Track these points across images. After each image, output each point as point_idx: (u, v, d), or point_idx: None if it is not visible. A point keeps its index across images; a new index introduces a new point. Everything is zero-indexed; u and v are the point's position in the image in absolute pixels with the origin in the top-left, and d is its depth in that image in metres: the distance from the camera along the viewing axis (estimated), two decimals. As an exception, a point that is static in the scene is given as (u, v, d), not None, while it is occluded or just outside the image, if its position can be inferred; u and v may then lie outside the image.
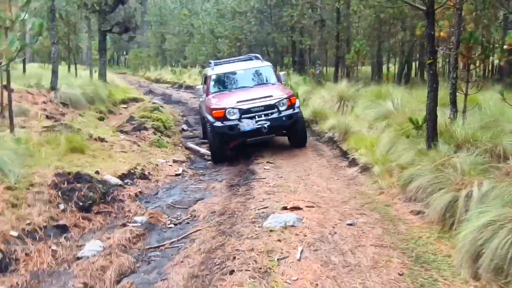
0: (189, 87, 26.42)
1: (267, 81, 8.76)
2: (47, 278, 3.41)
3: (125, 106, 15.32)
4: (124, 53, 51.54)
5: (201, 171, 7.18)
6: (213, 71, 8.84)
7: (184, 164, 7.45)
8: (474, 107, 6.03)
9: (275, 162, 6.92)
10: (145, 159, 7.08)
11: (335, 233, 3.74)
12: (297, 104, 7.98)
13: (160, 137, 8.89)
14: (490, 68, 14.85)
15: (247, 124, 7.38)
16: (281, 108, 7.53)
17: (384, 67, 18.04)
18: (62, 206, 4.44)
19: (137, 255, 3.82)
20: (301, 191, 5.15)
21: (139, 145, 7.96)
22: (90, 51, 17.08)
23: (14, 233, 3.68)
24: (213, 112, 7.53)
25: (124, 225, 4.48)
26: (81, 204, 4.64)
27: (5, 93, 6.92)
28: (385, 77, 13.42)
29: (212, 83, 8.53)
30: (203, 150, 8.61)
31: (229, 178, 6.47)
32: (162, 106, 14.22)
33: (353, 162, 6.44)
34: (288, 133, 8.14)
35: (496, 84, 9.90)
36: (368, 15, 13.65)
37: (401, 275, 3.00)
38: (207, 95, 8.36)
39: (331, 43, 16.89)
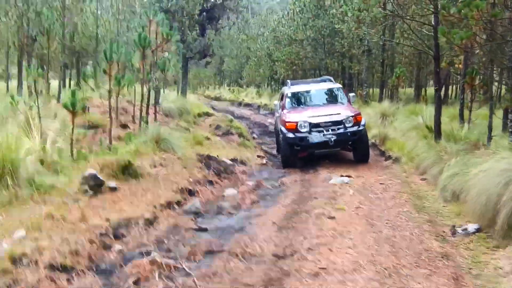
0: (248, 105, 29.63)
1: (337, 100, 9.64)
2: (214, 201, 6.32)
3: (202, 118, 18.55)
4: (183, 73, 56.25)
5: (279, 164, 9.99)
6: (290, 89, 9.96)
7: (265, 158, 10.33)
8: (477, 119, 8.56)
9: (333, 160, 9.51)
10: (239, 153, 10.05)
11: (372, 186, 6.46)
12: (363, 122, 8.68)
13: (243, 140, 11.87)
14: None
15: (316, 137, 8.30)
16: (347, 125, 8.33)
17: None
18: (206, 171, 7.43)
19: (257, 197, 6.67)
20: (351, 171, 7.85)
21: (231, 144, 10.98)
22: (178, 74, 20.62)
23: (191, 180, 6.67)
24: (287, 124, 8.61)
25: (242, 184, 7.39)
26: (215, 171, 7.62)
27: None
28: (422, 98, 15.82)
29: (288, 100, 9.65)
30: (275, 152, 11.40)
31: (301, 167, 9.15)
32: (233, 120, 17.31)
33: (388, 158, 9.06)
34: (353, 148, 8.89)
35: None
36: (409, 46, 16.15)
37: (406, 201, 5.67)
38: (282, 110, 9.58)
39: (377, 68, 19.47)
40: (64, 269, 3.60)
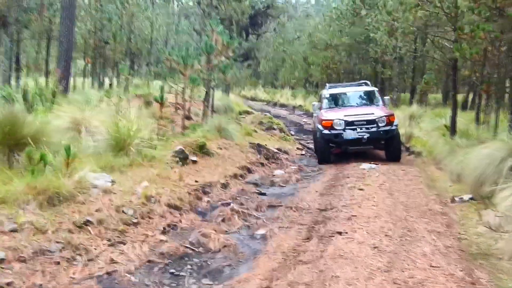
0: (283, 105, 31.21)
1: (372, 102, 10.20)
2: (266, 177, 7.95)
3: (242, 116, 20.28)
4: (219, 73, 58.37)
5: (316, 156, 11.52)
6: (328, 91, 10.75)
7: (303, 150, 11.91)
8: (490, 121, 9.84)
9: (363, 154, 10.96)
10: (281, 144, 11.67)
11: (394, 171, 7.93)
12: (395, 122, 9.21)
13: (283, 135, 13.49)
14: None
15: (350, 134, 8.96)
16: (380, 124, 8.92)
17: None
18: (258, 156, 9.08)
19: (300, 176, 8.26)
20: (378, 161, 9.31)
21: (273, 137, 12.61)
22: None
23: (248, 161, 8.33)
24: (323, 122, 9.33)
25: (287, 167, 9.00)
26: (265, 156, 9.27)
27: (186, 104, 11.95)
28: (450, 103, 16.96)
29: (325, 100, 10.41)
30: (312, 146, 12.95)
31: (335, 158, 10.68)
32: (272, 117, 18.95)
33: (412, 152, 10.47)
34: (385, 147, 9.40)
35: None
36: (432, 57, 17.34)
37: (421, 182, 7.12)
38: (320, 109, 10.29)
39: (408, 74, 20.65)
40: (175, 207, 5.31)
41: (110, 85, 16.74)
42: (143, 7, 17.48)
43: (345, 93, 10.75)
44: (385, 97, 11.01)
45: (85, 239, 4.00)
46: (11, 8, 10.77)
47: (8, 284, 3.15)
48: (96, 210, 4.47)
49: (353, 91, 10.78)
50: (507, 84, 8.50)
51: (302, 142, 13.83)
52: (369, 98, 10.43)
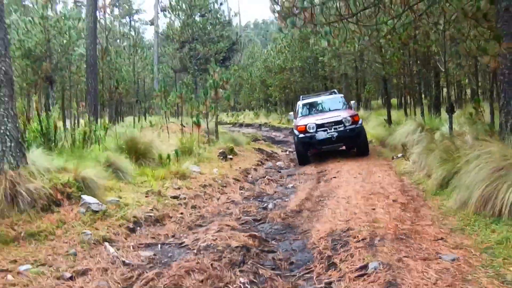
0: (249, 125, 35.11)
1: (339, 107, 11.72)
2: (274, 165, 11.83)
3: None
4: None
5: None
6: (301, 102, 12.58)
7: (287, 152, 15.90)
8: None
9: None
10: (271, 148, 15.60)
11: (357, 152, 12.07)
12: (360, 122, 10.53)
13: (268, 143, 17.43)
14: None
15: (321, 135, 10.47)
16: (346, 124, 10.35)
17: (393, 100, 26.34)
18: (263, 155, 12.95)
19: (295, 163, 12.18)
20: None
21: (263, 145, 16.53)
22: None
23: (260, 158, 12.17)
24: (298, 127, 11.05)
25: (283, 161, 12.91)
26: (267, 155, 13.15)
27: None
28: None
29: (299, 110, 12.27)
30: (292, 149, 16.96)
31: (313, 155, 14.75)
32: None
33: (365, 142, 14.73)
34: (354, 144, 10.98)
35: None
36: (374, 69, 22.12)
37: (374, 154, 11.27)
38: (295, 118, 12.48)
39: (353, 85, 25.40)
40: (237, 180, 9.07)
41: (115, 120, 20.03)
42: (142, 56, 21.08)
43: (315, 102, 12.65)
44: (351, 102, 12.81)
45: (209, 192, 7.72)
46: (52, 71, 14.11)
47: (194, 205, 6.82)
48: (204, 180, 8.18)
49: (322, 99, 12.61)
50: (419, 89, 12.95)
51: (282, 147, 17.83)
52: (337, 104, 12.06)
